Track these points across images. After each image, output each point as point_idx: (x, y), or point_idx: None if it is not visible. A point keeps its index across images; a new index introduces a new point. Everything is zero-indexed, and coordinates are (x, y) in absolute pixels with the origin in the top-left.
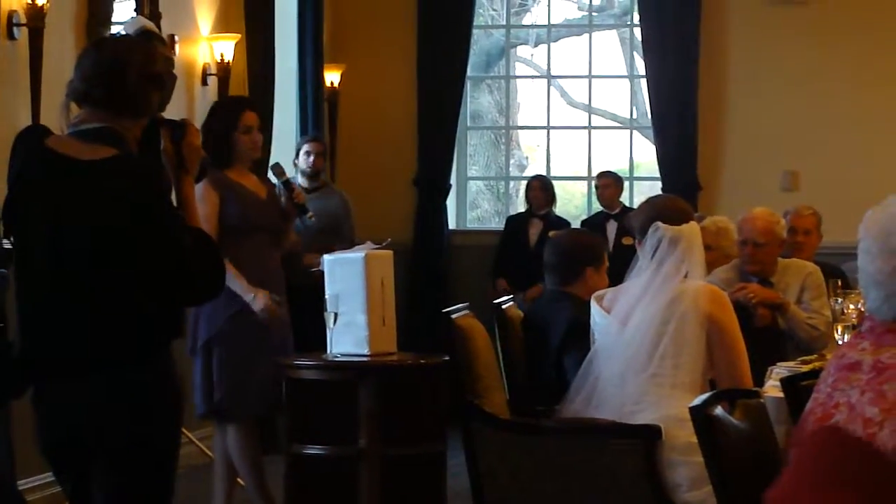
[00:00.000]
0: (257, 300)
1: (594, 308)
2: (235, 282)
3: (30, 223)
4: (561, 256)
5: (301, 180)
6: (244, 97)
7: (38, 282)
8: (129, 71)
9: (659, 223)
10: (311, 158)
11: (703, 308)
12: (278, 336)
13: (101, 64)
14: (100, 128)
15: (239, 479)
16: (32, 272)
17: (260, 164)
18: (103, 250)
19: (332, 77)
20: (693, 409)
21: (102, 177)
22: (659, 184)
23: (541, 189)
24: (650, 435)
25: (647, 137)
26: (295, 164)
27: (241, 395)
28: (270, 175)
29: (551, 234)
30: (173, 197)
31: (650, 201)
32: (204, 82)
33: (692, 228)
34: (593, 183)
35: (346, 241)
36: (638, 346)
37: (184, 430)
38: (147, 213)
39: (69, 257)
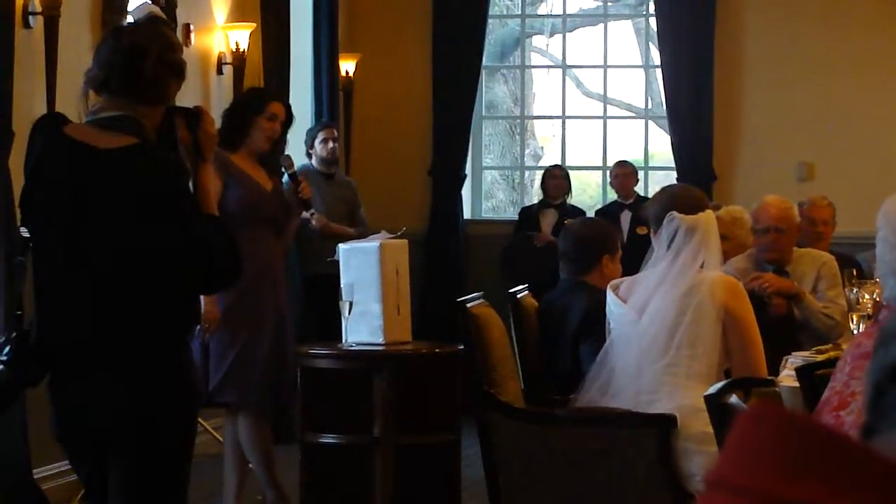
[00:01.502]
0: (207, 304)
1: (610, 297)
2: None
3: (48, 212)
4: (577, 245)
5: (319, 167)
6: (278, 92)
7: (56, 271)
8: (147, 58)
9: (675, 213)
10: (331, 145)
11: (718, 298)
12: (273, 327)
13: (120, 51)
14: (118, 116)
15: (252, 467)
16: (50, 261)
17: (271, 159)
18: (121, 239)
19: (347, 66)
20: (708, 399)
21: (121, 165)
22: (674, 173)
23: (562, 178)
24: (665, 424)
25: (661, 127)
26: (310, 154)
27: (237, 382)
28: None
29: (567, 222)
30: (191, 185)
31: (665, 190)
32: (219, 71)
33: (708, 217)
34: (609, 172)
35: (361, 227)
36: (654, 336)
37: (198, 419)
38: (166, 201)
39: (87, 246)
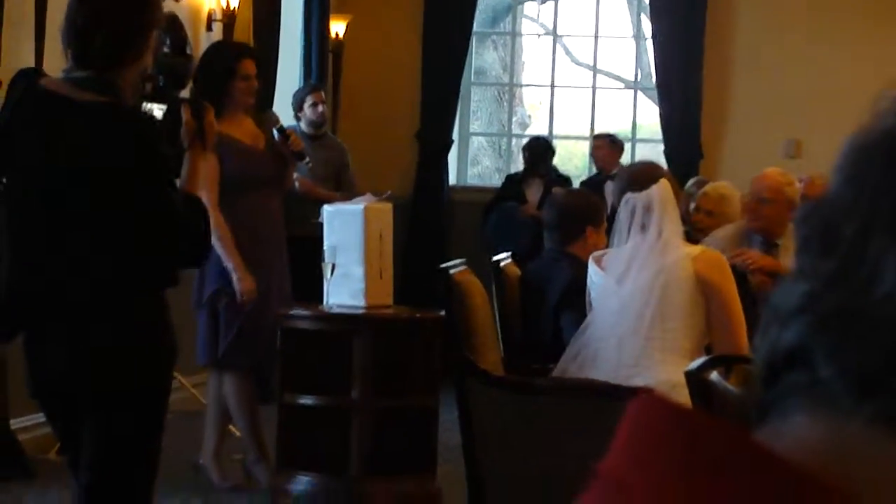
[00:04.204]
0: (243, 282)
1: (592, 268)
2: (228, 255)
3: (22, 161)
4: (561, 215)
5: (307, 130)
6: (243, 44)
7: (29, 221)
8: (100, 32)
9: (629, 194)
10: (320, 108)
11: (700, 272)
12: (278, 288)
13: (74, 30)
14: (90, 77)
15: (231, 427)
16: (23, 212)
17: (257, 111)
18: (94, 192)
19: (337, 28)
20: (688, 374)
21: (97, 118)
22: (661, 146)
23: (528, 149)
24: None
25: (650, 99)
26: (298, 117)
27: (246, 345)
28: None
29: (554, 190)
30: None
31: (621, 174)
32: (209, 28)
33: (661, 186)
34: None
35: (348, 190)
36: (636, 310)
37: (178, 376)
38: (137, 158)
39: (61, 197)
